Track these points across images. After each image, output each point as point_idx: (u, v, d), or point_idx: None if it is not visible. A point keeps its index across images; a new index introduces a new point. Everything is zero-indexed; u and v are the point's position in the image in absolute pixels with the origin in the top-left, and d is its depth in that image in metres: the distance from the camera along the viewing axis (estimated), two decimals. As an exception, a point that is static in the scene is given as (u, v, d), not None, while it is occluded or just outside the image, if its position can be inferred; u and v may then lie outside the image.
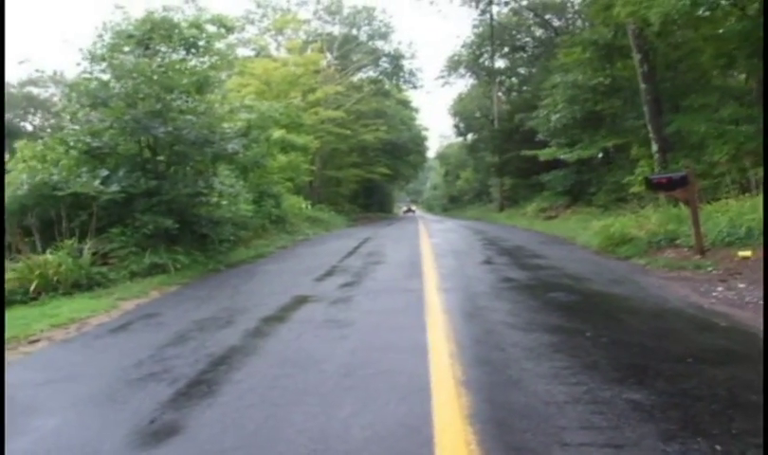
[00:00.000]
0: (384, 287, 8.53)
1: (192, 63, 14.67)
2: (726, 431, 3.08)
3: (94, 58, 12.35)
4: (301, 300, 7.54)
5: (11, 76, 51.36)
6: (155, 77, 11.24)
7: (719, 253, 9.43)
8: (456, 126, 55.07)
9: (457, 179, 68.23)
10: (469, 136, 52.89)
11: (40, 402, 4.07)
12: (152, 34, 12.91)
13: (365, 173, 46.48)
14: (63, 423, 3.65)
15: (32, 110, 51.50)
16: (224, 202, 13.50)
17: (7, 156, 12.18)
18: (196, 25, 15.01)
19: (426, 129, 65.87)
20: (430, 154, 79.66)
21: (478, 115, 49.62)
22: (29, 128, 47.48)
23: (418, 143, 62.82)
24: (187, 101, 11.61)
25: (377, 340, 5.35)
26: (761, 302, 6.34)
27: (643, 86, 17.34)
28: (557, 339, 5.11)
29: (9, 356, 5.42)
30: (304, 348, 5.17)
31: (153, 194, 11.07)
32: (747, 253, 8.80)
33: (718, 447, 2.89)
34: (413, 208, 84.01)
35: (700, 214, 10.11)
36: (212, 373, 4.46)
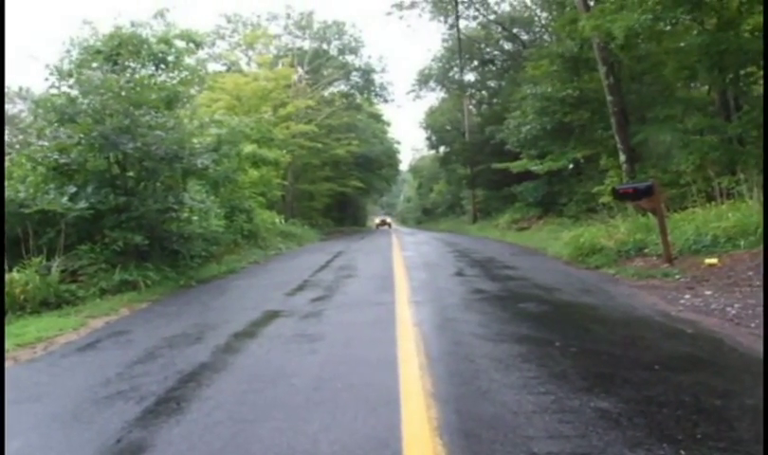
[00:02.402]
0: (355, 301, 8.52)
1: (162, 78, 14.58)
2: (691, 436, 3.14)
3: (61, 74, 12.19)
4: (271, 316, 7.50)
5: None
6: (123, 93, 11.13)
7: (686, 261, 9.60)
8: (428, 139, 55.33)
9: (430, 192, 68.44)
10: (441, 149, 53.19)
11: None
12: (120, 50, 12.79)
13: (338, 187, 46.52)
14: (24, 445, 3.58)
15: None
16: (194, 217, 13.40)
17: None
18: (165, 40, 14.92)
19: (398, 142, 66.16)
20: (403, 167, 79.86)
21: (449, 128, 49.98)
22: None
23: (390, 156, 62.99)
24: (156, 117, 11.50)
25: (347, 354, 5.35)
26: (727, 309, 6.48)
27: (609, 98, 17.63)
28: (526, 350, 5.16)
29: (-29, 378, 5.32)
30: (274, 363, 5.14)
31: (122, 210, 10.91)
32: (713, 260, 8.97)
33: (683, 453, 2.94)
34: (388, 220, 70.51)
35: (667, 223, 10.29)
36: (181, 391, 4.41)
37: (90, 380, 4.90)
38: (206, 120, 15.44)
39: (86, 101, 10.81)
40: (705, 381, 4.11)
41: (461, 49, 39.55)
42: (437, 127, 51.49)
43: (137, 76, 12.92)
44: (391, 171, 66.09)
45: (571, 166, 25.52)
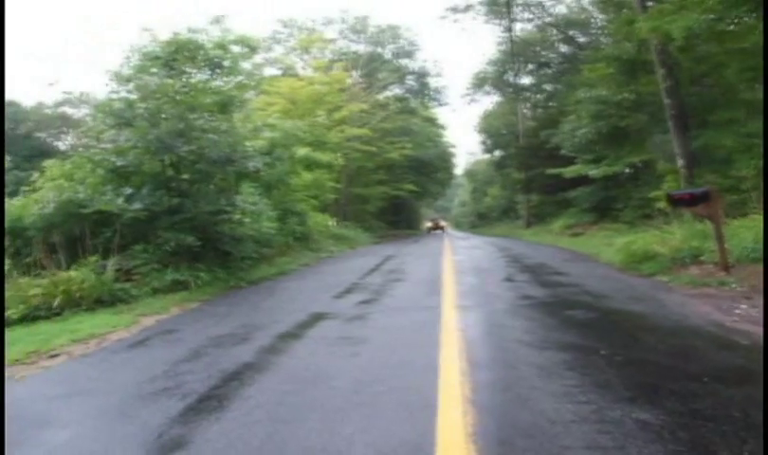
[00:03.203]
0: (402, 305, 8.53)
1: (217, 82, 14.88)
2: (737, 453, 3.02)
3: (119, 79, 12.58)
4: (317, 318, 7.57)
5: (47, 97, 53.27)
6: (178, 97, 11.43)
7: (744, 270, 9.26)
8: (483, 143, 54.95)
9: (485, 196, 67.95)
10: (497, 153, 52.71)
11: (53, 415, 4.16)
12: (176, 55, 13.10)
13: (392, 191, 46.60)
14: (73, 436, 3.72)
15: (66, 130, 52.69)
16: (246, 219, 13.62)
17: (36, 175, 12.49)
18: (221, 45, 15.20)
19: (453, 146, 66.02)
20: (458, 170, 79.59)
21: (504, 132, 49.44)
22: (63, 147, 48.64)
23: (445, 160, 63.00)
24: (209, 121, 11.76)
25: (389, 357, 5.34)
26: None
27: (667, 101, 17.14)
28: (570, 357, 5.07)
29: (28, 371, 5.58)
30: (317, 365, 5.18)
31: (175, 212, 11.22)
32: (774, 270, 8.62)
33: None
34: (443, 222, 61.82)
35: (725, 230, 9.96)
36: (223, 389, 4.50)
37: (138, 377, 5.05)
38: (259, 124, 15.67)
39: (143, 106, 11.14)
40: (757, 396, 3.91)
41: (513, 53, 39.16)
42: (492, 131, 51.09)
43: (192, 81, 13.22)
44: (445, 174, 66.06)
45: (628, 170, 24.94)
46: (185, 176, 12.15)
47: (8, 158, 47.47)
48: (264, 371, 5.02)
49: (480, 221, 68.94)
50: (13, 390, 4.89)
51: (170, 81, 12.00)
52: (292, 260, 16.70)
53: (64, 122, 52.56)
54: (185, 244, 10.83)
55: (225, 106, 13.41)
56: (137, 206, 10.49)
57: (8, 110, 54.98)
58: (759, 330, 5.93)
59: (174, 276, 10.37)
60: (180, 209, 11.26)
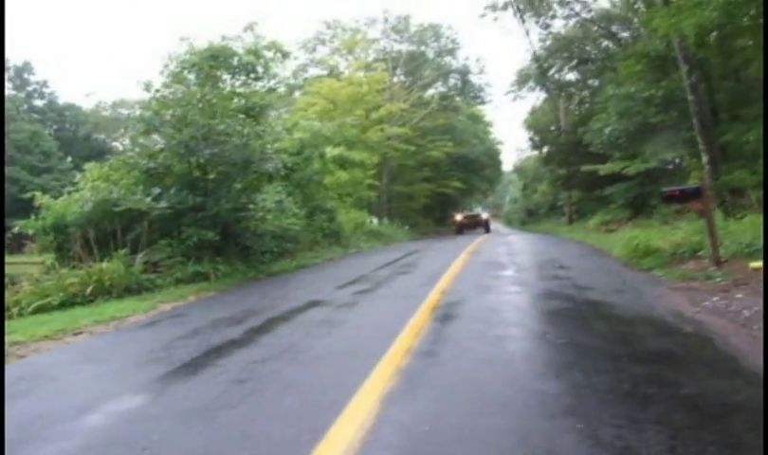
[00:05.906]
0: (393, 294, 9.27)
1: (250, 87, 15.71)
2: (602, 417, 3.46)
3: (148, 88, 13.45)
4: (312, 304, 8.34)
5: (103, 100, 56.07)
6: (200, 105, 12.33)
7: (735, 264, 9.52)
8: (531, 139, 54.64)
9: (534, 193, 67.51)
10: (544, 149, 52.37)
11: (60, 375, 5.13)
12: (202, 64, 13.95)
13: (437, 188, 46.91)
14: (72, 389, 4.66)
15: (123, 131, 54.88)
16: (269, 216, 14.48)
17: (78, 176, 13.66)
18: (254, 51, 16.04)
19: (500, 143, 65.89)
20: (507, 167, 79.28)
21: (552, 128, 49.10)
22: (120, 148, 50.88)
23: (492, 157, 62.83)
24: (231, 125, 12.57)
25: (353, 338, 6.13)
26: (744, 311, 6.53)
27: (691, 98, 17.19)
28: (515, 340, 5.63)
29: (53, 345, 6.59)
30: (291, 342, 5.93)
31: (199, 210, 12.19)
32: (759, 264, 8.85)
33: (578, 426, 3.32)
34: (485, 215, 46.82)
35: (721, 226, 10.21)
36: (202, 359, 5.32)
37: (139, 349, 6.04)
38: (279, 129, 16.34)
39: (170, 113, 12.10)
40: (658, 373, 4.36)
41: (536, 54, 39.02)
42: (539, 127, 50.75)
43: (219, 86, 14.11)
44: (493, 171, 65.93)
45: (670, 167, 24.85)
46: (212, 177, 13.06)
47: (68, 159, 50.17)
48: (243, 346, 5.82)
49: (529, 217, 68.38)
50: (36, 358, 5.90)
51: (196, 88, 12.91)
52: (317, 255, 17.51)
53: (120, 124, 54.88)
54: (205, 238, 11.78)
55: (250, 110, 14.24)
56: (163, 204, 11.50)
57: (68, 113, 57.98)
58: (713, 320, 6.33)
59: (196, 268, 11.35)
60: (203, 207, 12.22)
